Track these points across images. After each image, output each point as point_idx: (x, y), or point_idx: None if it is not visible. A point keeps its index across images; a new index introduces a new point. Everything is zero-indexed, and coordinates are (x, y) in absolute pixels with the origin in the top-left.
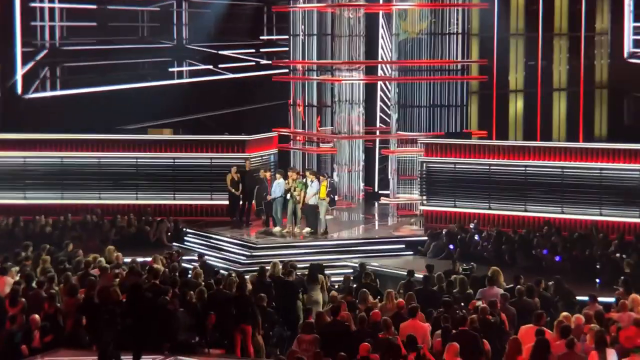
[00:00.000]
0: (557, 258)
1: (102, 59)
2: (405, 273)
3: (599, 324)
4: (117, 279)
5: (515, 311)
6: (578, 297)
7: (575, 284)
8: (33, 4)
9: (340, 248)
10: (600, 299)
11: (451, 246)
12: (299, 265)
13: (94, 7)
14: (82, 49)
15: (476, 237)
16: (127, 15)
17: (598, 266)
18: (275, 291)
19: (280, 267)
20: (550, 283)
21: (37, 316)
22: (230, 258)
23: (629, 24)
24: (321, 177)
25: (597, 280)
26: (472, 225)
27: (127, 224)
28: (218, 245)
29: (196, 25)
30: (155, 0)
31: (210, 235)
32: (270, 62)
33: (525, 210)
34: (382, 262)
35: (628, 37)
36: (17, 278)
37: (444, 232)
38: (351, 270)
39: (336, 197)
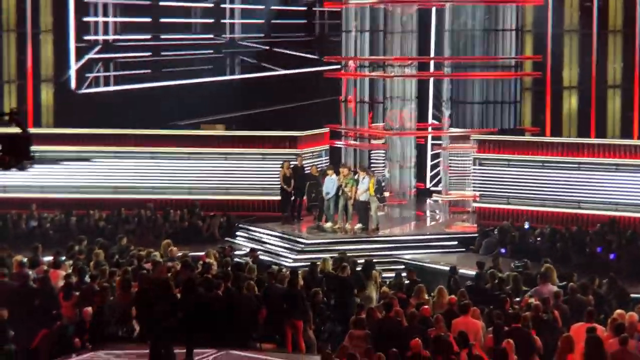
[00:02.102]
0: (611, 256)
1: (155, 54)
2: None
3: None
4: (170, 273)
5: (568, 309)
6: (632, 295)
7: (630, 282)
8: (87, 0)
9: (391, 244)
10: None
11: (503, 250)
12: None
13: (148, 2)
14: (136, 45)
15: (529, 240)
16: (180, 11)
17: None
18: (327, 286)
19: (331, 262)
20: (604, 281)
21: (89, 309)
22: (281, 253)
23: None
24: (369, 174)
25: None
26: (526, 226)
27: (180, 218)
28: (268, 241)
29: (248, 21)
30: None
31: (263, 230)
32: (322, 58)
33: (579, 208)
34: (434, 259)
35: None
36: (70, 272)
37: (495, 230)
38: (402, 267)
39: (387, 194)
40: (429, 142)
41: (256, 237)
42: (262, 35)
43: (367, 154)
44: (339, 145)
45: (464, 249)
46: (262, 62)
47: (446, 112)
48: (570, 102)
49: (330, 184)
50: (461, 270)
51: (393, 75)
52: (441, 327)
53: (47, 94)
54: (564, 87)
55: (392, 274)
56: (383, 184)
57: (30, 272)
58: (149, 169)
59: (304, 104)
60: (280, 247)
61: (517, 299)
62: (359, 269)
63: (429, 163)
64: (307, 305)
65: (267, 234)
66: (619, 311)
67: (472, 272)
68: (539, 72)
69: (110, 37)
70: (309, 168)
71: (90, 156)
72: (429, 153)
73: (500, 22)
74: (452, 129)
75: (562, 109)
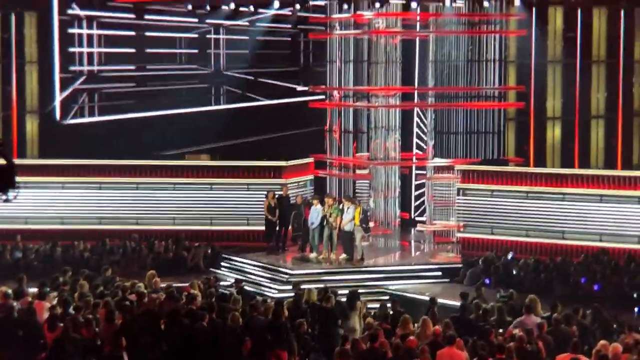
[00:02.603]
0: (595, 287)
1: (140, 85)
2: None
3: (638, 354)
4: (154, 305)
5: (553, 340)
6: (616, 326)
7: (614, 313)
8: (71, 30)
9: (376, 274)
10: None
11: (487, 280)
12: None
13: (132, 34)
14: (120, 76)
15: (513, 271)
16: (165, 42)
17: (636, 295)
18: (312, 317)
19: (316, 293)
20: (588, 311)
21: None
22: (264, 284)
23: None
24: (354, 204)
25: (636, 309)
26: (509, 257)
27: (165, 249)
28: (253, 271)
29: (233, 51)
30: (193, 27)
31: (247, 260)
32: (306, 88)
33: (563, 238)
34: (418, 289)
35: None
36: (55, 303)
37: (480, 260)
38: (387, 297)
39: (371, 224)
40: (413, 172)
41: (240, 268)
42: (247, 65)
43: (351, 184)
44: (323, 175)
45: (448, 280)
46: (246, 92)
47: (430, 142)
48: (554, 133)
49: (315, 214)
50: (445, 301)
51: (377, 105)
52: (426, 358)
53: (32, 125)
54: (547, 118)
55: (377, 305)
56: (368, 213)
57: (14, 303)
58: (134, 200)
59: (289, 133)
60: (265, 277)
61: (501, 330)
62: (342, 299)
63: (413, 193)
64: (291, 336)
65: (252, 265)
66: (602, 342)
67: (457, 303)
68: (522, 103)
69: (95, 67)
70: (294, 198)
71: (74, 187)
72: (414, 183)
73: (483, 52)
74: (436, 159)
75: (546, 139)
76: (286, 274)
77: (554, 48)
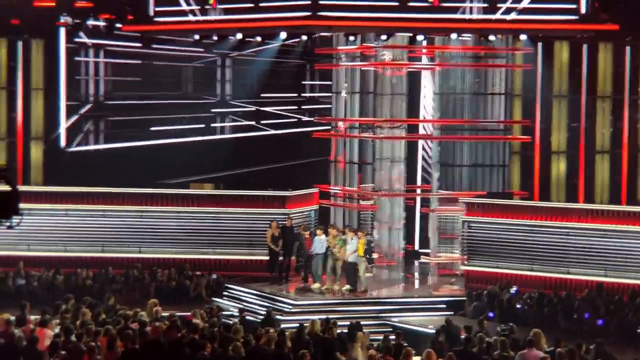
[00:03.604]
0: (599, 322)
1: (145, 113)
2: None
3: None
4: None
5: None
6: None
7: (618, 348)
8: (78, 58)
9: (379, 306)
10: None
11: (491, 314)
12: (338, 323)
13: (139, 62)
14: (126, 104)
15: (517, 305)
16: (171, 71)
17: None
18: (314, 348)
19: (319, 324)
20: (592, 346)
21: None
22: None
23: None
24: (360, 234)
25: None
26: (512, 291)
27: (167, 278)
28: (256, 301)
29: (239, 81)
30: (200, 56)
31: (250, 290)
32: (312, 118)
33: (568, 273)
34: (421, 322)
35: None
36: (57, 330)
37: (484, 293)
38: (390, 329)
39: (375, 255)
40: (418, 203)
41: (243, 297)
42: (253, 95)
43: (356, 215)
44: (327, 206)
45: (452, 312)
46: (251, 122)
47: (435, 174)
48: (559, 167)
49: (318, 244)
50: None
51: (382, 136)
52: None
53: (36, 152)
54: (552, 152)
55: (380, 336)
56: (372, 244)
57: (16, 330)
58: (137, 228)
59: (294, 163)
60: (267, 308)
61: None
62: (343, 331)
63: (417, 225)
64: None
65: (255, 295)
66: None
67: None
68: (528, 137)
69: (101, 96)
70: (297, 228)
71: (78, 214)
72: (418, 215)
73: (489, 85)
74: (441, 191)
75: (551, 173)
76: (290, 304)
77: (560, 83)
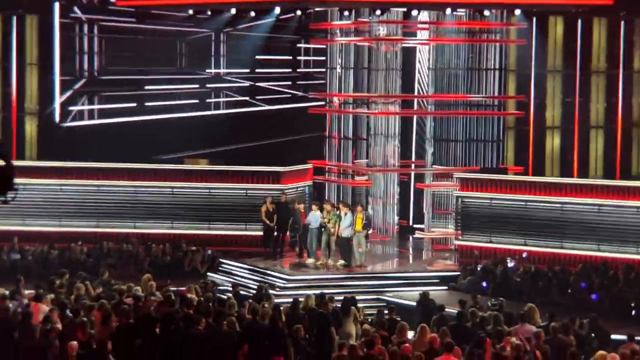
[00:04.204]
0: (593, 296)
1: (139, 88)
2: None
3: None
4: (151, 308)
5: (550, 349)
6: (615, 336)
7: (612, 323)
8: (72, 33)
9: (373, 281)
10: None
11: (484, 284)
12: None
13: (133, 37)
14: (120, 79)
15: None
16: (165, 46)
17: (633, 305)
18: (309, 323)
19: (314, 299)
20: (586, 321)
21: (74, 342)
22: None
23: None
24: (359, 208)
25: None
26: (510, 264)
27: (162, 253)
28: (250, 276)
29: (233, 57)
30: (194, 32)
31: (245, 265)
32: (306, 94)
33: (562, 248)
34: (416, 296)
35: None
36: (52, 305)
37: (478, 267)
38: (384, 304)
39: (370, 230)
40: (412, 179)
41: (238, 273)
42: (247, 70)
43: (350, 191)
44: (322, 181)
45: (446, 287)
46: (246, 98)
47: (429, 150)
48: (553, 142)
49: (313, 219)
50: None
51: (377, 112)
52: None
53: (31, 127)
54: (546, 127)
55: (374, 311)
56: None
57: (11, 305)
58: (132, 203)
59: (288, 139)
60: (262, 283)
61: (498, 338)
62: (338, 305)
63: (411, 200)
64: (288, 342)
65: (250, 270)
66: (600, 352)
67: (454, 310)
68: (522, 112)
69: (96, 70)
70: (292, 203)
71: (73, 189)
72: (412, 190)
73: (483, 61)
74: (435, 167)
75: (545, 148)
76: (284, 279)
77: (554, 58)
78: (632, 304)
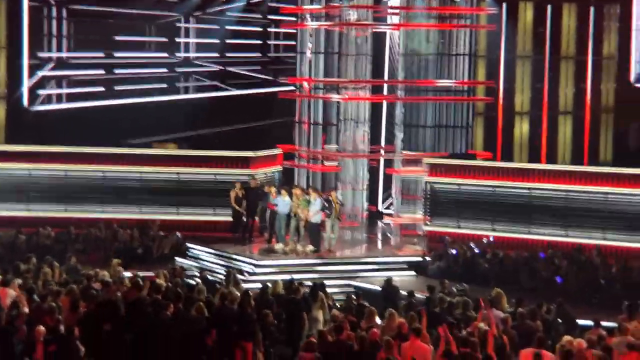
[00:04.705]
0: (557, 279)
1: (108, 72)
2: (406, 293)
3: (602, 349)
4: (119, 293)
5: (517, 334)
6: (582, 322)
7: (580, 308)
8: (41, 16)
9: (342, 266)
10: (605, 323)
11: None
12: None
13: (103, 20)
14: (89, 63)
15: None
16: (134, 30)
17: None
18: (278, 308)
19: (281, 285)
20: (553, 306)
21: (42, 327)
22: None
23: (636, 48)
24: (332, 194)
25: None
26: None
27: (130, 238)
28: (219, 262)
29: (204, 40)
30: (164, 15)
31: (214, 251)
32: (277, 79)
33: (529, 233)
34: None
35: (635, 62)
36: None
37: (447, 253)
38: (352, 290)
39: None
40: (382, 164)
41: (207, 258)
42: (217, 55)
43: (320, 176)
44: (291, 167)
45: (414, 273)
46: (216, 82)
47: (399, 135)
48: (522, 128)
49: (282, 204)
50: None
51: (347, 97)
52: (392, 351)
53: None
54: (515, 113)
55: (343, 297)
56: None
57: None
58: (100, 188)
59: (258, 124)
60: (231, 268)
61: (466, 323)
62: (305, 290)
63: (381, 186)
64: (257, 327)
65: (218, 255)
66: (567, 337)
67: (422, 296)
68: (491, 98)
69: (64, 54)
70: (262, 188)
71: (41, 174)
72: (382, 176)
73: (453, 46)
74: (405, 152)
75: (514, 134)
76: (253, 264)
77: (524, 43)
78: (597, 289)
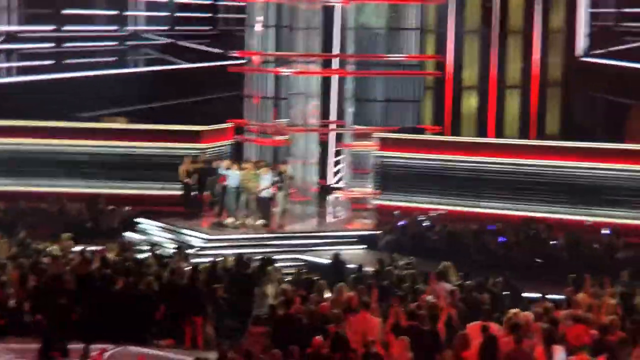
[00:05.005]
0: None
1: (58, 46)
2: (356, 267)
3: (548, 322)
4: (68, 268)
5: (464, 307)
6: (528, 294)
7: (526, 281)
8: None
9: (292, 241)
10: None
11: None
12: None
13: None
14: (39, 36)
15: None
16: (84, 3)
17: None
18: (228, 283)
19: (230, 260)
20: (499, 279)
21: None
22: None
23: (582, 22)
24: (283, 167)
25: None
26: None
27: (79, 212)
28: (169, 236)
29: (152, 14)
30: None
31: (163, 225)
32: (226, 52)
33: (479, 207)
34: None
35: (582, 35)
36: None
37: (396, 227)
38: (302, 264)
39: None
40: (332, 139)
41: (157, 233)
42: (166, 28)
43: (270, 150)
44: (242, 141)
45: (364, 246)
46: (165, 56)
47: (349, 110)
48: (470, 102)
49: (232, 178)
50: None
51: (297, 71)
52: (341, 325)
53: None
54: (464, 87)
55: (293, 271)
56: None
57: None
58: (49, 162)
59: (208, 98)
60: (181, 243)
61: (415, 296)
62: (255, 265)
63: (331, 160)
64: (206, 302)
65: (167, 229)
66: (514, 310)
67: (372, 270)
68: (439, 72)
69: (14, 27)
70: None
71: None
72: (332, 150)
73: (403, 21)
74: (355, 127)
75: (462, 108)
76: (203, 239)
77: (472, 17)
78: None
